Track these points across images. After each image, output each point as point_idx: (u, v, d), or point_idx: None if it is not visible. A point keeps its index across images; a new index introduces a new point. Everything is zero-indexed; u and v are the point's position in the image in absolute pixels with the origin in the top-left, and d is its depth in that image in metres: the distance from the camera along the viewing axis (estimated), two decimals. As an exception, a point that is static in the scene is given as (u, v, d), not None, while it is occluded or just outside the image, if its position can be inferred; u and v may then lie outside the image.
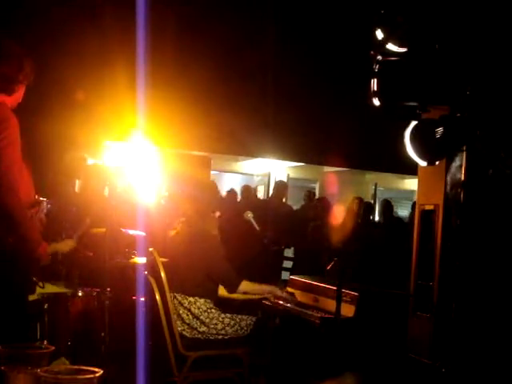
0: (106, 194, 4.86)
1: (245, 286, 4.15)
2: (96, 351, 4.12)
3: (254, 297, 4.36)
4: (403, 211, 13.51)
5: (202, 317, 3.98)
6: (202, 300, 4.02)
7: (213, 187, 4.62)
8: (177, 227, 4.28)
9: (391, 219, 8.79)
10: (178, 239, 4.21)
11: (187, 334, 3.98)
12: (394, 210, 9.59)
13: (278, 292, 4.47)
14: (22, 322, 3.15)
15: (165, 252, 4.30)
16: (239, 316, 4.07)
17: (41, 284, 3.56)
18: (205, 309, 4.00)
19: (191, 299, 4.01)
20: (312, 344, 4.24)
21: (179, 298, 4.03)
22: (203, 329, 3.98)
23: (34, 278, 3.36)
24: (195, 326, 3.98)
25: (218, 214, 4.30)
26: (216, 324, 4.00)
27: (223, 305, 4.12)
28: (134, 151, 6.75)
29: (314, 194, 9.96)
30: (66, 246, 3.94)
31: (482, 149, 3.77)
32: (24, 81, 3.21)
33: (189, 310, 3.99)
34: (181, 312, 4.00)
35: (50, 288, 4.27)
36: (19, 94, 3.24)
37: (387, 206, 8.93)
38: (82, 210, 5.04)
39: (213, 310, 4.01)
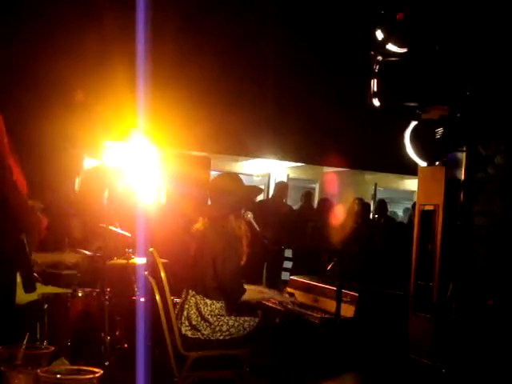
0: (105, 194, 4.86)
1: (244, 297, 4.05)
2: (96, 351, 4.13)
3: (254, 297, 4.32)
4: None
5: (210, 319, 3.95)
6: (219, 305, 3.99)
7: (238, 186, 4.23)
8: (201, 222, 4.20)
9: (386, 219, 8.84)
10: (200, 235, 4.15)
11: (190, 335, 3.97)
12: (394, 210, 9.64)
13: (278, 296, 4.46)
14: (11, 319, 3.13)
15: (165, 252, 4.29)
16: (242, 318, 4.05)
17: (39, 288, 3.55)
18: (217, 313, 3.97)
19: (208, 301, 3.97)
20: (312, 344, 4.23)
21: (197, 298, 3.99)
22: (207, 331, 3.96)
23: (36, 275, 3.35)
24: (200, 328, 3.96)
25: (250, 215, 4.18)
26: (221, 326, 3.98)
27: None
28: (134, 151, 6.74)
29: (311, 194, 9.93)
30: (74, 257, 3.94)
31: (482, 149, 3.77)
32: None
33: (200, 312, 3.96)
34: (192, 313, 3.97)
35: (49, 289, 4.27)
36: None
37: (382, 206, 9.01)
38: (81, 208, 5.05)
39: (221, 317, 3.99)
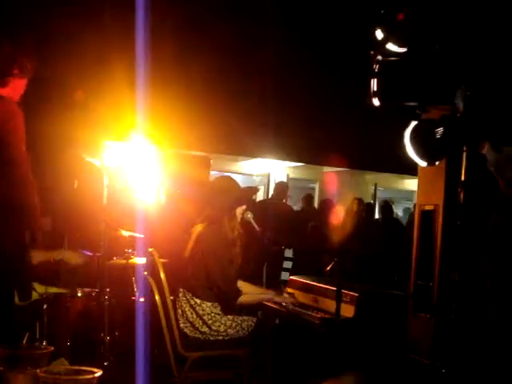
0: (104, 194, 4.85)
1: (242, 299, 4.07)
2: (96, 351, 4.12)
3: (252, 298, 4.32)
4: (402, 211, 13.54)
5: (205, 317, 3.98)
6: (209, 303, 4.00)
7: (232, 188, 4.27)
8: (200, 224, 4.22)
9: (390, 220, 8.84)
10: (196, 236, 4.17)
11: (188, 332, 3.98)
12: (394, 210, 9.65)
13: (276, 298, 4.45)
14: (11, 319, 3.12)
15: (165, 252, 4.29)
16: (240, 317, 4.06)
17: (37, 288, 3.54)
18: (209, 312, 3.99)
19: (197, 300, 4.00)
20: (312, 344, 4.23)
21: (187, 296, 4.03)
22: (204, 329, 3.98)
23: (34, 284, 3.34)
24: (197, 325, 3.98)
25: (250, 215, 4.19)
26: (219, 326, 3.99)
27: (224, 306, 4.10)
28: (133, 151, 6.74)
29: (311, 197, 9.95)
30: (78, 257, 3.93)
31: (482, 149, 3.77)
32: (20, 74, 3.18)
33: (194, 309, 3.99)
34: (186, 310, 4.00)
35: (49, 289, 4.26)
36: (17, 86, 3.19)
37: (387, 207, 8.99)
38: (82, 209, 5.04)
39: (216, 316, 4.00)
